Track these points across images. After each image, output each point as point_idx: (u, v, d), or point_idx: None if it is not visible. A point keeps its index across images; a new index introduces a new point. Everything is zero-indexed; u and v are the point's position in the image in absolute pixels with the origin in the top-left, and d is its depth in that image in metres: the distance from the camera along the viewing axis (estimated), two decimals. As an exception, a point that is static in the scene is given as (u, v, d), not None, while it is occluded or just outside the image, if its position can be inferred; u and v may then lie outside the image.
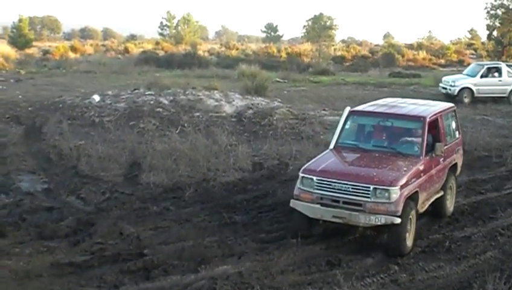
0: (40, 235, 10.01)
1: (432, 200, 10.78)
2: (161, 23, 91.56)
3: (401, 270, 8.84)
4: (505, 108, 26.32)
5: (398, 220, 9.22)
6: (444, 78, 30.79)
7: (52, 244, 9.61)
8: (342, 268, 8.85)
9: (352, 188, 9.42)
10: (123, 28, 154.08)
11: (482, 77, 28.88)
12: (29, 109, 21.53)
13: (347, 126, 11.17)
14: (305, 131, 18.70)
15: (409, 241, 9.66)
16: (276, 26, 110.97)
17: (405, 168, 9.79)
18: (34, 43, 69.36)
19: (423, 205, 10.34)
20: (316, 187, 9.71)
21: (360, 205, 9.37)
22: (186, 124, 18.62)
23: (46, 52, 58.72)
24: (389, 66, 51.37)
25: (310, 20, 70.61)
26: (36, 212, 11.24)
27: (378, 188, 9.30)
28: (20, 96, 25.16)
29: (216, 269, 8.67)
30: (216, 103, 21.37)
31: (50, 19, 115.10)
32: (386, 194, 9.26)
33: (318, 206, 9.66)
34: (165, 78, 32.33)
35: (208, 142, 16.65)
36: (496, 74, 29.11)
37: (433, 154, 10.45)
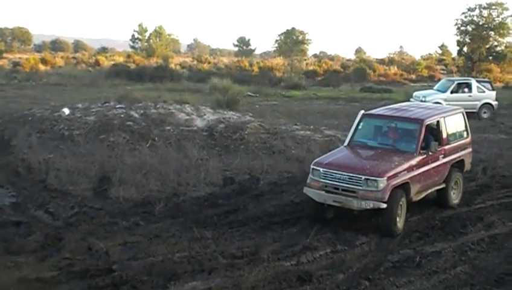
0: (7, 250, 9.85)
1: (430, 191, 12.50)
2: (133, 36, 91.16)
3: (371, 286, 8.84)
4: (475, 123, 26.42)
5: (383, 205, 10.87)
6: (414, 94, 31.08)
7: (20, 259, 9.46)
8: (313, 284, 8.83)
9: (349, 178, 11.12)
10: (94, 40, 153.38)
11: (452, 92, 29.29)
12: (-2, 121, 21.20)
13: (360, 127, 12.92)
14: (276, 145, 18.71)
15: (400, 224, 11.27)
16: (249, 40, 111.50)
17: (397, 163, 11.43)
18: (4, 55, 69.01)
19: (418, 194, 11.98)
20: (322, 177, 11.47)
21: (354, 192, 11.05)
22: (156, 138, 18.51)
23: (16, 64, 58.23)
24: (360, 81, 51.89)
25: (282, 34, 71.28)
26: (4, 227, 11.10)
27: (369, 179, 10.95)
28: (-12, 109, 24.80)
29: (186, 285, 8.60)
30: (187, 117, 21.29)
31: (21, 31, 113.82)
32: (375, 184, 10.90)
33: (323, 192, 11.40)
34: (136, 91, 32.19)
35: (178, 157, 16.61)
36: (466, 90, 29.55)
37: (429, 152, 11.98)
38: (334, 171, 11.30)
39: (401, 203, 11.24)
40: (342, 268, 9.52)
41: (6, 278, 8.74)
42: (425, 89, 34.14)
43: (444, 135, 12.78)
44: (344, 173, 11.17)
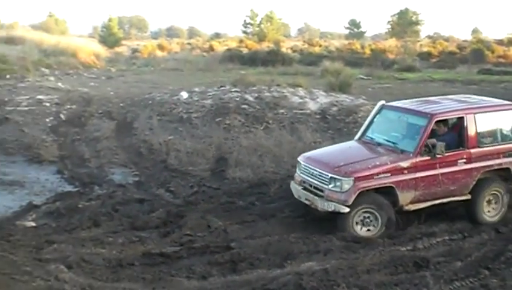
0: (132, 226, 10.44)
1: (441, 201, 10.60)
2: (244, 21, 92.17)
3: (491, 275, 8.52)
4: None
5: (345, 210, 9.78)
6: None
7: (144, 234, 9.97)
8: (430, 270, 8.64)
9: (319, 175, 10.25)
10: (207, 26, 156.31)
11: None
12: (121, 105, 22.10)
13: (375, 120, 11.58)
14: (391, 128, 18.43)
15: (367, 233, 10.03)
16: (359, 22, 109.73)
17: (378, 162, 10.12)
18: (123, 42, 71.38)
19: (416, 203, 10.38)
20: (301, 171, 10.78)
21: (322, 191, 10.14)
22: (270, 121, 18.75)
23: (135, 50, 60.12)
24: (478, 62, 49.68)
25: (394, 15, 69.80)
26: (128, 204, 11.74)
27: (334, 177, 9.93)
28: (111, 93, 25.83)
29: (302, 265, 8.72)
30: (300, 100, 21.37)
31: (138, 19, 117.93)
32: (339, 184, 9.87)
33: (300, 188, 10.69)
34: (250, 75, 32.53)
35: (292, 139, 16.78)
36: None
37: (435, 154, 10.16)
38: (310, 166, 10.51)
39: (369, 208, 10.03)
40: (460, 256, 9.24)
41: (131, 252, 9.26)
42: None
43: (471, 135, 10.60)
44: (316, 169, 10.34)
